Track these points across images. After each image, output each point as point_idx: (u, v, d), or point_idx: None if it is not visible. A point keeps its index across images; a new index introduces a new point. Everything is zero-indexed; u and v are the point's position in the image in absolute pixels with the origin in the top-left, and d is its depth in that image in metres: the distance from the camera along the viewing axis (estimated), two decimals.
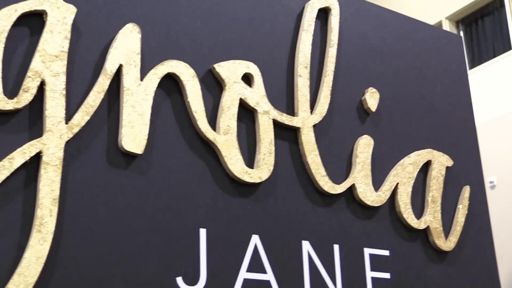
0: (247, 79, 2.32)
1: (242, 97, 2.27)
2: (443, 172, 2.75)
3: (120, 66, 2.05)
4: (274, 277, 2.19)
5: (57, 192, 1.83)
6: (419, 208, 2.65)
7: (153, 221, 2.01)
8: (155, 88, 2.10)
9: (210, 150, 2.19)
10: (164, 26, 2.21)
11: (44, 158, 1.84)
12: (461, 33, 9.86)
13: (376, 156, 2.57)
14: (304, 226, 2.32)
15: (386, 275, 2.46)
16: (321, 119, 2.46)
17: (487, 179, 7.92)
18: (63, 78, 1.93)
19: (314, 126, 2.43)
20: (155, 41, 2.16)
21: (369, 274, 2.41)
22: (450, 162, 2.79)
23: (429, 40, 2.99)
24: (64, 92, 1.92)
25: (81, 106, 1.95)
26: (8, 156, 1.79)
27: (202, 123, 2.17)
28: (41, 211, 1.80)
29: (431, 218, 2.64)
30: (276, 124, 2.34)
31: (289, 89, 2.44)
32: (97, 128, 1.98)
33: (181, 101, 2.17)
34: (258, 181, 2.23)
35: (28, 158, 1.82)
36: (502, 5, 9.48)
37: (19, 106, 1.85)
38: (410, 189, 2.62)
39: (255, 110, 2.30)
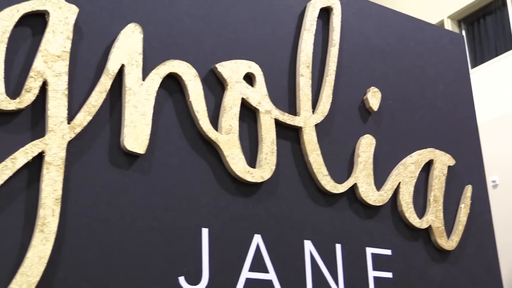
0: (249, 78, 2.32)
1: (244, 97, 2.27)
2: (445, 172, 2.74)
3: (122, 66, 2.05)
4: (276, 277, 2.19)
5: (59, 192, 1.83)
6: (421, 208, 2.65)
7: (155, 221, 2.01)
8: (157, 88, 2.10)
9: (212, 150, 2.19)
10: (166, 26, 2.21)
11: (47, 158, 1.84)
12: (463, 32, 9.86)
13: (378, 156, 2.57)
14: (306, 225, 2.32)
15: (388, 275, 2.45)
16: (323, 118, 2.46)
17: (489, 178, 7.91)
18: (65, 78, 1.93)
19: (316, 125, 2.43)
20: (157, 41, 2.17)
21: (371, 273, 2.41)
22: (452, 162, 2.78)
23: (431, 40, 2.98)
24: (66, 92, 1.92)
25: (83, 106, 1.95)
26: (11, 156, 1.80)
27: (204, 123, 2.17)
28: (44, 211, 1.80)
29: (433, 218, 2.64)
30: (278, 124, 2.34)
31: (291, 88, 2.44)
32: (99, 128, 1.99)
33: (183, 101, 2.17)
34: (260, 180, 2.23)
35: (30, 158, 1.82)
36: (504, 4, 9.47)
37: (22, 106, 1.85)
38: (412, 189, 2.62)
39: (257, 109, 2.30)
